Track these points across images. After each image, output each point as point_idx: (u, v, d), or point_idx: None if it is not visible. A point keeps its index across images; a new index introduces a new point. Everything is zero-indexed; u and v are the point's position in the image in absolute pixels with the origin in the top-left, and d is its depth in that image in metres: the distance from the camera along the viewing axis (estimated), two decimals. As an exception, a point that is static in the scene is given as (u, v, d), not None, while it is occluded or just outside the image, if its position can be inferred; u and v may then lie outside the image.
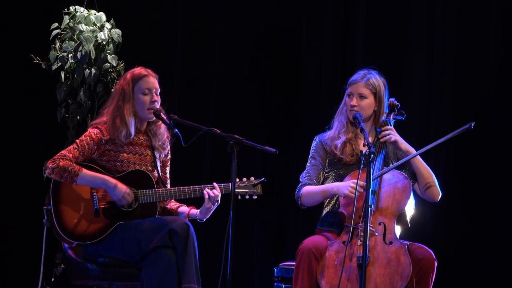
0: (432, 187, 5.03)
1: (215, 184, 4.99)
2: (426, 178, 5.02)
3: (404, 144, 5.03)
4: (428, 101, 6.47)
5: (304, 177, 5.13)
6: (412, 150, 5.01)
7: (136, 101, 5.01)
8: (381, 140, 5.02)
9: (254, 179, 5.04)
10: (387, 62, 6.24)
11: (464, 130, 4.83)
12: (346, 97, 5.12)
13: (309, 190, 5.06)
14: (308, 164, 5.17)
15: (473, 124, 4.81)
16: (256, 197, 5.04)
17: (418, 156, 5.00)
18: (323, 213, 5.12)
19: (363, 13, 6.58)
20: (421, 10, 6.51)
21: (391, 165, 4.99)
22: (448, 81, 6.44)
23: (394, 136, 5.02)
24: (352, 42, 6.61)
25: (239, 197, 5.01)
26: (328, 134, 5.18)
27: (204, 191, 4.96)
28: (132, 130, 4.99)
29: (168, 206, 5.16)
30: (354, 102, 5.06)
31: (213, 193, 4.95)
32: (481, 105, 6.34)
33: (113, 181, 4.87)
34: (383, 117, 5.09)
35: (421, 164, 5.02)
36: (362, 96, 5.07)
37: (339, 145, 5.08)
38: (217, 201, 4.97)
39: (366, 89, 5.07)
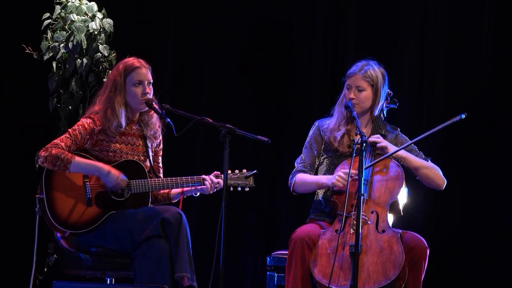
0: (436, 180, 5.01)
1: (217, 173, 4.99)
2: (430, 179, 5.00)
3: (393, 150, 4.95)
4: (420, 90, 6.47)
5: (299, 163, 5.14)
6: (402, 152, 4.95)
7: (128, 92, 5.00)
8: (369, 140, 4.96)
9: (246, 171, 5.05)
10: (379, 53, 6.21)
11: (455, 121, 4.84)
12: (346, 89, 5.09)
13: (302, 179, 5.07)
14: (304, 149, 5.18)
15: (463, 116, 4.82)
16: (248, 189, 5.05)
17: (415, 160, 4.97)
18: (316, 202, 5.12)
19: (355, 4, 6.57)
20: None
21: (385, 154, 4.96)
22: (440, 70, 6.44)
23: (383, 142, 4.97)
24: (344, 33, 6.60)
25: (231, 188, 5.02)
26: (328, 123, 5.15)
27: (208, 177, 4.96)
28: (123, 121, 4.99)
29: (161, 191, 5.16)
30: (352, 95, 5.03)
31: (215, 181, 4.96)
32: (472, 95, 6.35)
33: (106, 167, 4.86)
34: (378, 108, 5.08)
35: (418, 166, 4.96)
36: (360, 89, 5.04)
37: (338, 137, 5.07)
38: (216, 188, 4.99)
39: (364, 81, 5.03)
